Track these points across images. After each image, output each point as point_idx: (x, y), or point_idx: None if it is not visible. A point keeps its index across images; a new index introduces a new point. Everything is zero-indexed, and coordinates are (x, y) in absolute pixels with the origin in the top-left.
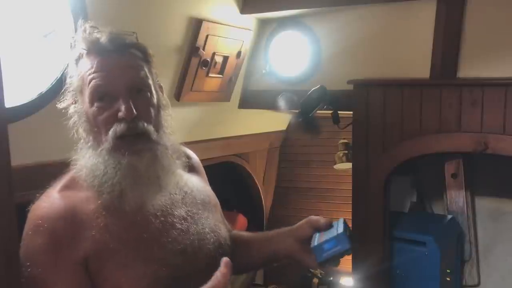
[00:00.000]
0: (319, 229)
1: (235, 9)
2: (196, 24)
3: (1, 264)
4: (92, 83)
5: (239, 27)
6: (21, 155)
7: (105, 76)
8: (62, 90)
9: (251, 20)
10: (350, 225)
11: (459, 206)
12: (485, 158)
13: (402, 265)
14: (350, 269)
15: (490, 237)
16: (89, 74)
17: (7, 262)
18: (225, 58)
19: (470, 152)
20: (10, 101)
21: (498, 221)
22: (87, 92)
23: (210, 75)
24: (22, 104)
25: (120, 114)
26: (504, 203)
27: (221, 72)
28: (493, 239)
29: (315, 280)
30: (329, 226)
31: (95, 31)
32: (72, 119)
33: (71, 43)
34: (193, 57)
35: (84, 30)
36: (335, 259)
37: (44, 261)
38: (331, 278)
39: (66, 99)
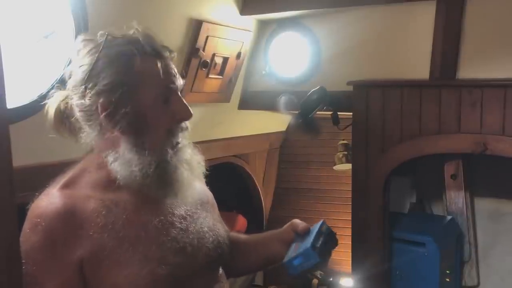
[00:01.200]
0: (298, 233)
1: (235, 10)
2: (196, 25)
3: (3, 266)
4: (160, 81)
5: (239, 28)
6: (22, 156)
7: (170, 76)
8: (99, 90)
9: (251, 21)
10: (350, 226)
11: (458, 207)
12: (485, 159)
13: (402, 265)
14: (350, 270)
15: (490, 238)
16: (156, 73)
17: (8, 263)
18: (225, 59)
19: (470, 153)
20: (11, 102)
21: (497, 222)
22: (151, 91)
23: (210, 76)
24: (24, 105)
25: (182, 115)
26: (503, 204)
27: (221, 73)
28: (493, 240)
29: (315, 281)
30: (307, 232)
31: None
32: (125, 119)
33: (111, 38)
34: (193, 58)
35: (138, 30)
36: (309, 272)
37: (38, 259)
38: (331, 279)
39: (110, 98)
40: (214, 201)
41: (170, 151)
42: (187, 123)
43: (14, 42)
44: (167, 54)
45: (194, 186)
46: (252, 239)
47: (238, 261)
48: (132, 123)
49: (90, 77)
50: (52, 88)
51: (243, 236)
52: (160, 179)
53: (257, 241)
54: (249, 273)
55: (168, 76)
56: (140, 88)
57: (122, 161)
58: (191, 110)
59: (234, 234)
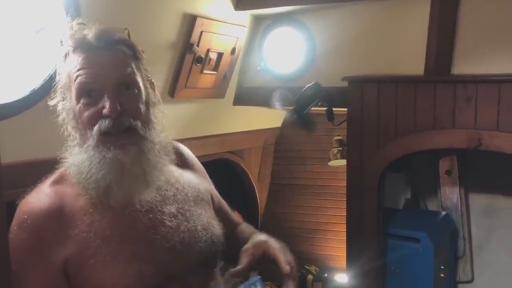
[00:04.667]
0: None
1: (229, 5)
2: (190, 20)
3: None
4: (77, 80)
5: (234, 24)
6: (12, 153)
7: (90, 73)
8: (53, 88)
9: (245, 16)
10: (345, 222)
11: (453, 203)
12: (479, 154)
13: (396, 261)
14: (345, 266)
15: (484, 234)
16: (75, 71)
17: None
18: (220, 55)
19: (464, 148)
20: (2, 98)
21: (491, 217)
22: (73, 89)
23: (204, 71)
24: (15, 101)
25: (105, 110)
26: (497, 199)
27: (216, 68)
28: (487, 236)
29: (310, 277)
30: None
31: (84, 28)
32: (61, 116)
33: (60, 40)
34: (188, 54)
35: (71, 27)
36: None
37: (23, 258)
38: (326, 275)
39: (56, 96)
40: (209, 198)
41: (99, 148)
42: (135, 122)
43: (5, 37)
44: (98, 48)
45: (131, 187)
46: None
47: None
48: (69, 118)
49: (55, 74)
50: (44, 84)
51: (247, 235)
52: (89, 180)
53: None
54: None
55: (89, 74)
56: (68, 86)
57: (69, 155)
58: (114, 105)
59: (243, 228)
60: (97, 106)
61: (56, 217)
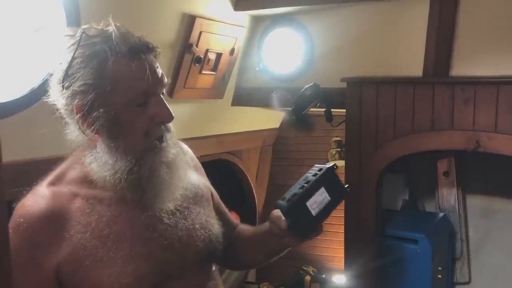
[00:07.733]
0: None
1: (228, 6)
2: (189, 21)
3: None
4: (134, 85)
5: (233, 24)
6: (12, 152)
7: (147, 79)
8: (74, 91)
9: (244, 17)
10: (343, 223)
11: (450, 204)
12: (477, 156)
13: (394, 262)
14: (343, 267)
15: (481, 235)
16: (129, 77)
17: None
18: (219, 55)
19: (462, 150)
20: (1, 97)
21: (489, 219)
22: (124, 96)
23: (203, 72)
24: (14, 100)
25: (161, 118)
26: (495, 201)
27: (214, 69)
28: (484, 237)
29: (308, 278)
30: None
31: (123, 30)
32: (98, 122)
33: (92, 42)
34: (186, 54)
35: (117, 29)
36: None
37: (16, 262)
38: (324, 276)
39: (84, 101)
40: (209, 196)
41: (147, 154)
42: (169, 124)
43: (3, 36)
44: (147, 54)
45: (176, 187)
46: (256, 235)
47: (242, 256)
48: (106, 126)
49: (66, 76)
50: (43, 83)
51: (248, 232)
52: (133, 184)
53: (260, 237)
54: (255, 266)
55: (145, 79)
56: (113, 92)
57: (98, 162)
58: (171, 112)
59: (242, 228)
60: (145, 112)
61: (52, 220)
